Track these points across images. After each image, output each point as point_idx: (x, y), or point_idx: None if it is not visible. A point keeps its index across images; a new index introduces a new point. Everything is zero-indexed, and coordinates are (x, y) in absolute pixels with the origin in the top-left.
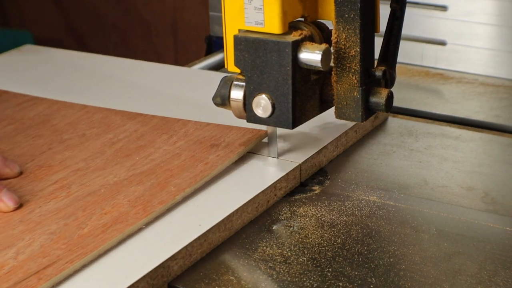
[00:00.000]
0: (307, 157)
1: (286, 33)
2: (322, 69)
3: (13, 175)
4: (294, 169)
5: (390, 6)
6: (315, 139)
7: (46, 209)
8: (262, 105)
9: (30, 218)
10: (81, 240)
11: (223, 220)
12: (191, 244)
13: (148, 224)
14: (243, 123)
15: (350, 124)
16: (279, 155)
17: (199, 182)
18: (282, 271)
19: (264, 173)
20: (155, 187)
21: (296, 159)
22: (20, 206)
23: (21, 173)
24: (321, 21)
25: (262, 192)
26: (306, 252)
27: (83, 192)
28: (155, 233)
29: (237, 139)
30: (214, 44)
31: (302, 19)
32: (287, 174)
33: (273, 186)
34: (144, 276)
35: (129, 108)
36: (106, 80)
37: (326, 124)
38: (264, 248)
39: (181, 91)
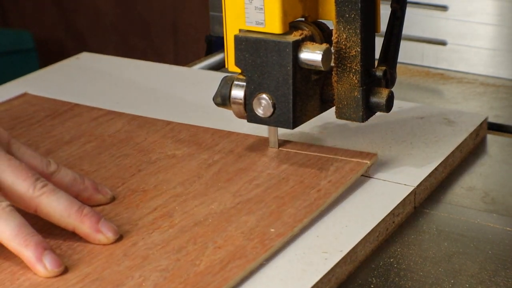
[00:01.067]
0: (420, 180)
1: (286, 33)
2: (322, 69)
3: (105, 201)
4: (409, 194)
5: (391, 6)
6: (421, 158)
7: (151, 242)
8: (263, 105)
9: (135, 252)
10: (199, 279)
11: (349, 253)
12: (320, 281)
13: (267, 259)
14: (245, 124)
15: (456, 143)
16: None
17: (315, 211)
18: None
19: (378, 199)
20: (268, 217)
21: (408, 181)
22: (120, 237)
23: (113, 198)
24: (322, 21)
25: (383, 220)
26: None
27: (188, 222)
28: (278, 269)
29: (346, 162)
30: (214, 44)
31: (303, 19)
32: (403, 199)
33: (392, 213)
34: None
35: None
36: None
37: (432, 142)
38: None
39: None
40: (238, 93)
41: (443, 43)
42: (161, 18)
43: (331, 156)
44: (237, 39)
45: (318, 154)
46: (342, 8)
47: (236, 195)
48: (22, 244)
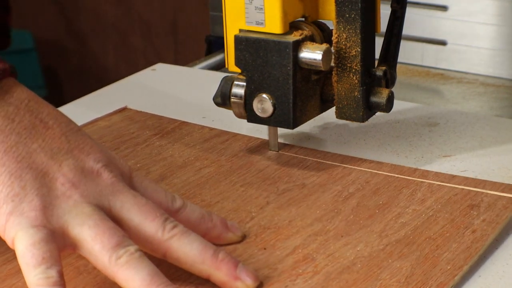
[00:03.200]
0: None
1: (286, 33)
2: (322, 69)
3: (236, 240)
4: None
5: (391, 6)
6: None
7: None
8: (263, 105)
9: None
10: None
11: None
12: None
13: None
14: (245, 124)
15: None
16: None
17: (474, 256)
18: None
19: None
20: (423, 262)
21: None
22: (260, 284)
23: (244, 236)
24: (322, 21)
25: None
26: None
27: (334, 267)
28: None
29: (498, 198)
30: (214, 44)
31: (303, 19)
32: None
33: None
34: None
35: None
36: None
37: None
38: None
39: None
40: (238, 93)
41: (443, 43)
42: (161, 18)
43: (479, 190)
44: (237, 39)
45: (465, 188)
46: (342, 8)
47: (383, 236)
48: None
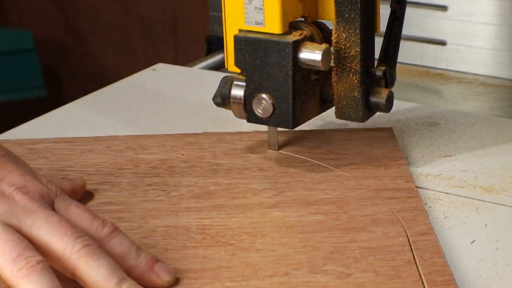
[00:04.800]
0: None
1: (286, 33)
2: (322, 69)
3: (161, 285)
4: None
5: (390, 6)
6: None
7: None
8: (262, 105)
9: None
10: None
11: None
12: None
13: None
14: (244, 124)
15: None
16: None
17: None
18: None
19: None
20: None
21: None
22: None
23: (176, 280)
24: (322, 21)
25: None
26: None
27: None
28: None
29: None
30: (214, 44)
31: (302, 19)
32: None
33: None
34: None
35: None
36: None
37: None
38: None
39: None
40: (237, 93)
41: (443, 43)
42: (161, 18)
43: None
44: (236, 39)
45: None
46: (342, 8)
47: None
48: None
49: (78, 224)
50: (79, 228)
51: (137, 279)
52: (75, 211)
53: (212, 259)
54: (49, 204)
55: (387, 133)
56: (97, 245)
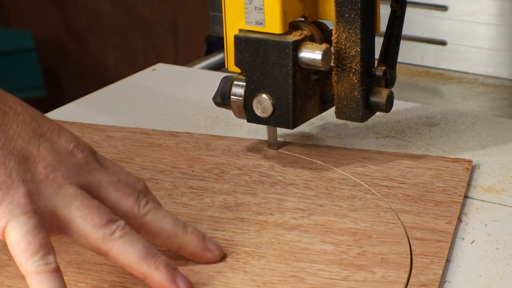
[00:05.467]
0: None
1: (286, 33)
2: (322, 69)
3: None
4: None
5: (390, 6)
6: None
7: None
8: (263, 105)
9: None
10: None
11: None
12: None
13: None
14: (244, 124)
15: None
16: None
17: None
18: None
19: None
20: None
21: None
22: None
23: (225, 256)
24: (322, 21)
25: None
26: None
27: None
28: None
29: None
30: (214, 44)
31: (303, 19)
32: None
33: None
34: None
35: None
36: None
37: None
38: None
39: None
40: (237, 93)
41: (443, 43)
42: (161, 18)
43: None
44: (237, 39)
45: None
46: (342, 8)
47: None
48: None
49: (117, 202)
50: (119, 205)
51: (188, 255)
52: (111, 167)
53: (197, 273)
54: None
55: (463, 166)
56: (127, 224)
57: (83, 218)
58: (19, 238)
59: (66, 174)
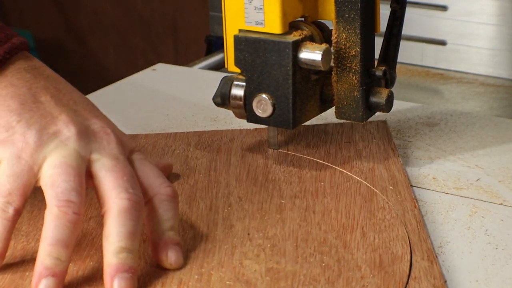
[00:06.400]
0: None
1: (286, 33)
2: (322, 69)
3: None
4: None
5: (390, 6)
6: None
7: None
8: (262, 105)
9: None
10: None
11: None
12: None
13: None
14: (244, 124)
15: None
16: None
17: None
18: None
19: None
20: None
21: None
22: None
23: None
24: (322, 21)
25: None
26: None
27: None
28: None
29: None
30: (214, 44)
31: (303, 19)
32: None
33: None
34: None
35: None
36: None
37: None
38: None
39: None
40: (237, 93)
41: (443, 43)
42: (161, 18)
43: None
44: (236, 39)
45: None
46: (342, 8)
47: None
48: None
49: (145, 175)
50: (146, 178)
51: (151, 245)
52: (148, 166)
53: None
54: (127, 154)
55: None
56: (141, 208)
57: (52, 177)
58: (1, 177)
59: (75, 140)
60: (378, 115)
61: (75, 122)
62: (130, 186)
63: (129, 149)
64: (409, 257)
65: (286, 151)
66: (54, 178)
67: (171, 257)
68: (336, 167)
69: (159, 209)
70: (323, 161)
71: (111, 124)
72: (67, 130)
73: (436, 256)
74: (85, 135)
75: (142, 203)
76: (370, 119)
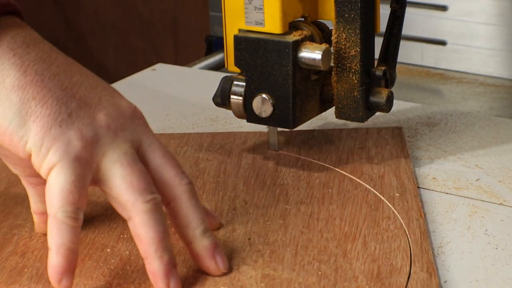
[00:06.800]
0: None
1: (286, 33)
2: (322, 69)
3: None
4: None
5: (390, 6)
6: None
7: None
8: (262, 105)
9: None
10: None
11: None
12: None
13: None
14: (244, 124)
15: None
16: None
17: None
18: None
19: None
20: None
21: None
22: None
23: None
24: (322, 21)
25: None
26: None
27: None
28: None
29: None
30: (214, 44)
31: (302, 19)
32: None
33: None
34: None
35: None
36: None
37: None
38: None
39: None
40: (237, 93)
41: (443, 43)
42: (161, 18)
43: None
44: (236, 39)
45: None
46: (341, 8)
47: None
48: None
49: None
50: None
51: (193, 255)
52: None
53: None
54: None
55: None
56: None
57: (123, 177)
58: (65, 184)
59: (124, 127)
60: (378, 115)
61: (115, 108)
62: (182, 170)
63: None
64: (408, 269)
65: (297, 155)
66: (129, 178)
67: (220, 263)
68: (346, 174)
69: (187, 214)
70: (334, 166)
71: (131, 103)
72: (116, 120)
73: (436, 268)
74: (129, 120)
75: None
76: (386, 124)
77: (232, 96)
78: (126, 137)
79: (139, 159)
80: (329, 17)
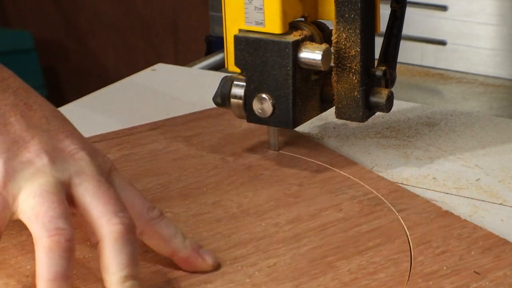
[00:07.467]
0: None
1: (286, 33)
2: (322, 69)
3: (206, 268)
4: None
5: (390, 6)
6: None
7: None
8: (262, 105)
9: None
10: None
11: None
12: None
13: None
14: (244, 124)
15: None
16: None
17: None
18: None
19: None
20: None
21: None
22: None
23: (218, 266)
24: (322, 21)
25: None
26: None
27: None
28: None
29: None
30: (214, 44)
31: (302, 19)
32: None
33: None
34: None
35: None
36: None
37: None
38: None
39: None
40: (237, 93)
41: (443, 43)
42: (161, 18)
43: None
44: (236, 39)
45: None
46: (342, 8)
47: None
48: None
49: (130, 202)
50: (130, 206)
51: (182, 262)
52: (128, 190)
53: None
54: (105, 176)
55: None
56: (134, 229)
57: (32, 208)
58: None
59: (50, 163)
60: (378, 115)
61: (49, 146)
62: (119, 209)
63: (107, 169)
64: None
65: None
66: (38, 209)
67: (207, 259)
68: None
69: (161, 231)
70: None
71: (86, 143)
72: (41, 157)
73: None
74: (62, 159)
75: (133, 224)
76: (386, 124)
77: (232, 96)
78: (52, 173)
79: (69, 197)
80: (329, 17)
